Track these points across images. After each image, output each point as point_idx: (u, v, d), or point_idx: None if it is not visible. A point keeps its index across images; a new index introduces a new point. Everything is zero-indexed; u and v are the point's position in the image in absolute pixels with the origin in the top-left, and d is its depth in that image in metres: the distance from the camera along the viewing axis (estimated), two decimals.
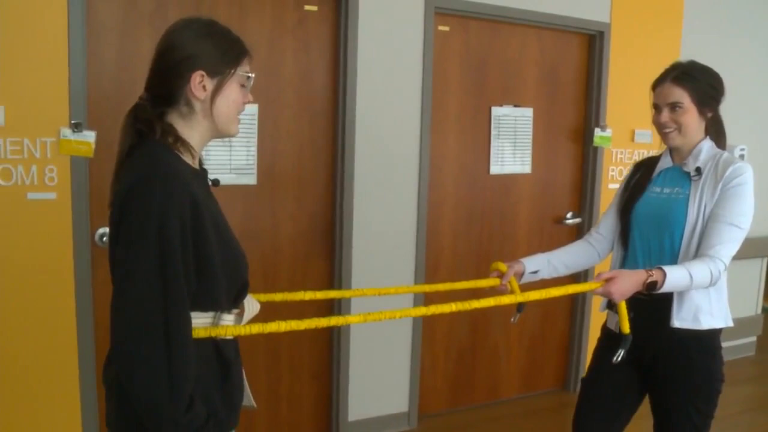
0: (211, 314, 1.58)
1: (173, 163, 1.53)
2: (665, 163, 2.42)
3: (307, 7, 3.33)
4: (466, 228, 3.96)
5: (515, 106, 3.99)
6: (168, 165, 1.50)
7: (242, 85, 1.66)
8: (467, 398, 4.16)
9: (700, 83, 2.28)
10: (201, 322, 1.55)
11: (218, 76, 1.60)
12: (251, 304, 1.74)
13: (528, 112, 4.05)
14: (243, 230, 3.25)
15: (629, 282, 2.08)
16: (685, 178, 2.33)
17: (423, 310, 1.88)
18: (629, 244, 2.43)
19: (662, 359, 2.32)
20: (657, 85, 2.35)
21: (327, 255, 3.53)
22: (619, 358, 2.14)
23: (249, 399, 1.78)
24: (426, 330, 3.86)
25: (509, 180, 4.07)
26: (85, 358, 2.97)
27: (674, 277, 2.10)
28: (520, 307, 2.38)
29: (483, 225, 3.99)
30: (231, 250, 1.61)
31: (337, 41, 3.40)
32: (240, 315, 1.68)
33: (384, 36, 3.47)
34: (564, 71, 4.15)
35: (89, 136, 2.84)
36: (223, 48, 1.61)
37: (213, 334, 1.56)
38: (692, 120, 2.29)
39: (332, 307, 3.52)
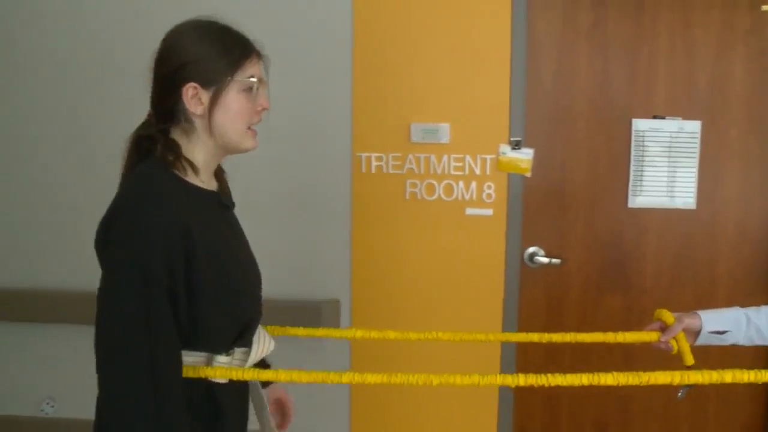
0: (203, 354, 1.41)
1: (166, 186, 1.37)
2: None
3: (765, 8, 2.93)
4: None
5: None
6: (158, 188, 1.35)
7: (248, 90, 1.42)
8: None
9: None
10: (190, 361, 1.39)
11: (214, 86, 1.39)
12: (263, 343, 1.53)
13: None
14: (674, 258, 3.01)
15: None
16: None
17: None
18: None
19: None
20: None
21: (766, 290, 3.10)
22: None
23: None
24: None
25: None
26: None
27: None
28: None
29: None
30: (233, 282, 1.42)
31: None
32: (245, 354, 1.49)
33: None
34: None
35: (527, 154, 2.84)
36: (217, 52, 1.40)
37: (202, 375, 1.39)
38: None
39: None
